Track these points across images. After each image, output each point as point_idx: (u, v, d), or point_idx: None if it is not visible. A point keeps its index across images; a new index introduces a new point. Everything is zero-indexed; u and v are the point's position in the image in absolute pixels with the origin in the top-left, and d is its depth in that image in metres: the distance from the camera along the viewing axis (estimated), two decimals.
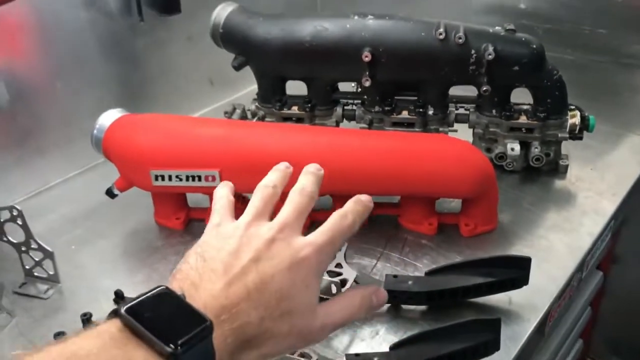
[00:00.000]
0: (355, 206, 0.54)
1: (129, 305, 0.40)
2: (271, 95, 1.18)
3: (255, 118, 1.23)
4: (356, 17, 1.09)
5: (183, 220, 1.04)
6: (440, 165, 0.92)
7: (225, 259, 0.45)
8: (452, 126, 1.17)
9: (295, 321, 0.45)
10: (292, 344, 0.47)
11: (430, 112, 1.14)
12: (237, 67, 1.15)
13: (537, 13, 1.30)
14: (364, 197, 0.55)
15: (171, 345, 0.37)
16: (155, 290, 0.42)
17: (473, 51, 1.05)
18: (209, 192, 0.66)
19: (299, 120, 1.19)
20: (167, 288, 0.43)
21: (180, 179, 0.96)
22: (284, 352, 0.47)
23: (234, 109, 1.23)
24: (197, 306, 0.42)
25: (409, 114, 1.14)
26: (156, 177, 0.95)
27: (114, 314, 0.40)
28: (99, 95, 1.21)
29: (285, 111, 1.18)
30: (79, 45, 1.16)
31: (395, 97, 1.17)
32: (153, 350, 0.38)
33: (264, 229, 0.48)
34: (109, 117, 1.00)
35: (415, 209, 0.99)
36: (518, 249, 0.96)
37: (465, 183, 0.93)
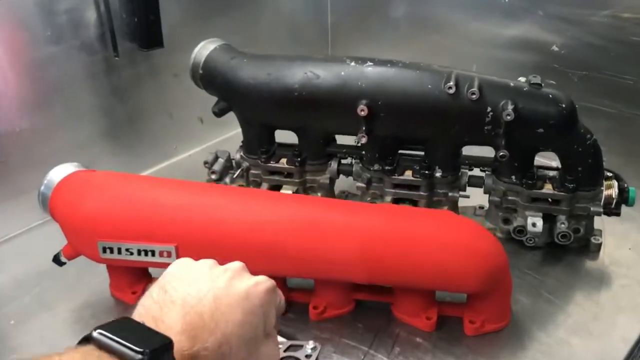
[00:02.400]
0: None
1: (98, 328, 0.45)
2: (257, 146, 1.03)
3: (239, 170, 1.08)
4: (353, 64, 0.93)
5: (139, 294, 0.89)
6: (440, 254, 0.76)
7: (185, 291, 0.50)
8: (464, 190, 1.01)
9: (251, 346, 0.51)
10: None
11: (438, 174, 0.97)
12: (218, 113, 1.01)
13: (572, 57, 1.13)
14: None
15: (140, 353, 0.43)
16: (119, 318, 0.47)
17: (489, 109, 0.88)
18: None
19: (289, 175, 1.04)
20: (129, 318, 0.49)
21: (131, 253, 0.82)
22: None
23: (216, 158, 1.08)
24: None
25: (413, 175, 0.98)
26: (104, 249, 0.81)
27: (85, 339, 0.45)
28: (72, 134, 1.08)
29: (272, 164, 1.03)
30: (49, 82, 1.04)
31: (399, 153, 1.01)
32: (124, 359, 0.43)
33: (221, 267, 0.56)
34: (59, 173, 0.87)
35: (411, 299, 0.83)
36: (531, 355, 0.79)
37: (470, 277, 0.77)
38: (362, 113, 0.91)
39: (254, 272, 0.61)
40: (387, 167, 0.98)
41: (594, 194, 0.93)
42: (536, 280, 0.92)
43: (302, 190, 1.05)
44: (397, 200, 1.01)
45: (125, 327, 0.46)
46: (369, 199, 1.03)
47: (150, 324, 0.48)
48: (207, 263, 0.58)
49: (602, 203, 0.93)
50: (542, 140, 0.91)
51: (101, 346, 0.44)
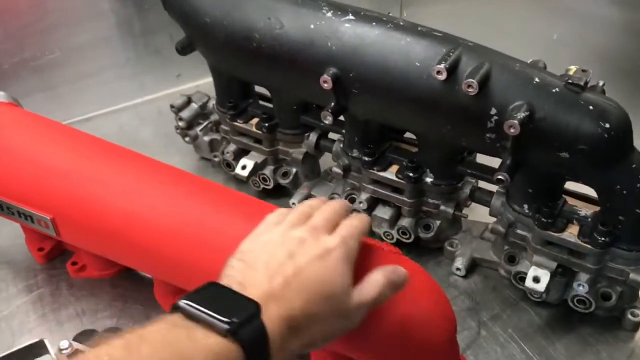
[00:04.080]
0: (360, 216, 0.56)
1: (184, 297, 0.44)
2: (225, 97, 0.84)
3: (207, 122, 0.90)
4: (329, 14, 0.68)
5: (46, 252, 0.78)
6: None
7: (265, 259, 0.49)
8: (466, 206, 0.75)
9: (335, 303, 0.49)
10: (335, 327, 0.50)
11: (429, 179, 0.72)
12: (181, 50, 0.82)
13: None
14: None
15: (228, 322, 0.42)
16: (206, 285, 0.47)
17: (494, 110, 0.61)
18: None
19: (257, 141, 0.84)
20: (215, 282, 0.47)
21: (12, 213, 0.69)
22: (328, 338, 0.50)
23: (188, 102, 0.91)
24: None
25: (397, 174, 0.74)
26: None
27: (174, 308, 0.44)
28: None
29: (240, 124, 0.83)
30: None
31: (390, 140, 0.77)
32: (212, 329, 0.42)
33: (296, 232, 0.52)
34: None
35: None
36: None
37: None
38: (325, 85, 0.67)
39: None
40: (365, 158, 0.74)
41: (637, 256, 0.64)
42: (524, 352, 0.67)
43: (273, 161, 0.85)
44: (375, 201, 0.78)
45: (212, 293, 0.46)
46: (348, 189, 0.81)
47: (236, 287, 0.47)
48: (280, 229, 0.53)
49: None
50: (568, 168, 0.62)
51: (189, 316, 0.43)
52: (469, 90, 0.60)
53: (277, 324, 0.45)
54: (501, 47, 0.65)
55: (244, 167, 0.83)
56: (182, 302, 0.44)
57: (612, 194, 0.61)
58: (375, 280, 0.51)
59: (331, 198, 0.84)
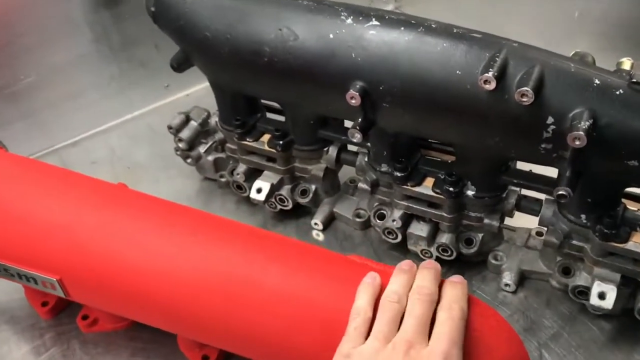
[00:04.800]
0: (453, 291, 0.51)
1: None
2: (230, 115, 0.76)
3: (212, 142, 0.82)
4: (350, 21, 0.60)
5: (51, 306, 0.70)
6: None
7: None
8: (511, 216, 0.68)
9: None
10: None
11: (470, 192, 0.66)
12: (177, 68, 0.73)
13: None
14: (456, 278, 0.53)
15: None
16: None
17: (551, 119, 0.54)
18: None
19: (270, 159, 0.76)
20: None
21: (12, 275, 0.61)
22: None
23: (187, 121, 0.82)
24: None
25: (434, 188, 0.67)
26: None
27: None
28: None
29: (250, 142, 0.75)
30: None
31: (421, 152, 0.70)
32: None
33: (391, 353, 0.47)
34: None
35: None
36: None
37: None
38: (353, 102, 0.60)
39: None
40: (397, 174, 0.67)
41: None
42: None
43: (290, 180, 0.77)
44: (409, 217, 0.71)
45: None
46: (376, 204, 0.74)
47: None
48: (372, 348, 0.48)
49: None
50: (636, 177, 0.56)
51: None
52: (523, 99, 0.53)
53: None
54: (515, 34, 0.58)
55: (259, 191, 0.76)
56: None
57: None
58: None
59: (356, 214, 0.78)
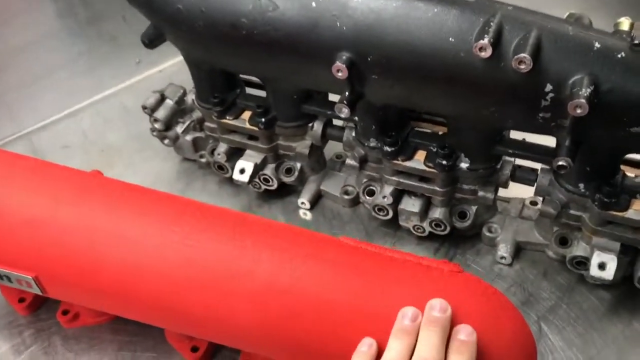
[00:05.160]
0: (463, 339, 0.45)
1: None
2: (208, 92, 0.72)
3: (189, 122, 0.78)
4: None
5: (29, 302, 0.66)
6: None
7: None
8: (505, 187, 0.66)
9: None
10: None
11: (464, 164, 0.63)
12: (148, 44, 0.69)
13: None
14: (464, 334, 0.45)
15: None
16: None
17: (549, 87, 0.51)
18: None
19: (252, 137, 0.73)
20: None
21: None
22: None
23: (162, 99, 0.78)
24: None
25: (426, 161, 0.64)
26: None
27: None
28: None
29: (230, 121, 0.72)
30: None
31: (411, 124, 0.67)
32: None
33: None
34: None
35: None
36: None
37: None
38: (340, 74, 0.56)
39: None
40: (387, 148, 0.64)
41: None
42: (594, 345, 0.61)
43: (273, 158, 0.74)
44: (400, 192, 0.68)
45: None
46: (365, 180, 0.71)
47: None
48: None
49: None
50: (638, 143, 0.54)
51: None
52: (521, 67, 0.50)
53: None
54: None
55: (242, 171, 0.72)
56: None
57: None
58: None
59: (345, 191, 0.75)
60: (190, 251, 0.50)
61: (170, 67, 0.97)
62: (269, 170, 0.74)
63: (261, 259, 0.49)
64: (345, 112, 0.59)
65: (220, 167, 0.76)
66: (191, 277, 0.50)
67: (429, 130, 0.66)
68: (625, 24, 0.54)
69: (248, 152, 0.74)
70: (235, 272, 0.49)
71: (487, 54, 0.50)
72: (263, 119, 0.69)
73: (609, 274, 0.59)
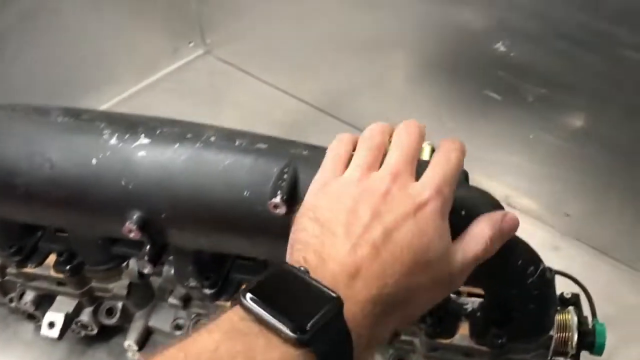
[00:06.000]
0: (452, 144, 0.45)
1: (248, 289, 0.36)
2: (2, 240, 0.63)
3: None
4: (114, 140, 0.51)
5: None
6: None
7: (344, 220, 0.40)
8: None
9: (435, 270, 0.40)
10: (435, 296, 0.42)
11: None
12: None
13: (527, 65, 0.70)
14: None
15: (296, 331, 0.33)
16: (274, 269, 0.38)
17: None
18: None
19: (62, 283, 0.65)
20: (286, 265, 0.38)
21: None
22: (426, 309, 0.42)
23: None
24: (325, 278, 0.37)
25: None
26: None
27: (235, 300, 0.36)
28: None
29: (32, 269, 0.64)
30: None
31: (232, 257, 0.62)
32: (278, 337, 0.34)
33: (376, 182, 0.41)
34: None
35: None
36: None
37: None
38: (132, 235, 0.51)
39: None
40: (207, 291, 0.59)
41: (536, 345, 0.56)
42: None
43: (90, 302, 0.67)
44: None
45: (282, 284, 0.36)
46: (194, 315, 0.65)
47: (312, 261, 0.38)
48: (353, 177, 0.42)
49: (550, 355, 0.57)
50: None
51: (251, 313, 0.34)
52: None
53: (366, 311, 0.37)
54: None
55: (52, 325, 0.64)
56: (247, 299, 0.35)
57: (500, 294, 0.53)
58: (480, 234, 0.42)
59: (176, 325, 0.68)
60: None
61: None
62: (85, 315, 0.66)
63: None
64: (148, 268, 0.53)
65: (31, 316, 0.67)
66: None
67: (251, 264, 0.62)
68: (425, 149, 0.53)
69: (59, 298, 0.66)
70: None
71: (282, 211, 0.47)
72: (68, 267, 0.62)
73: None
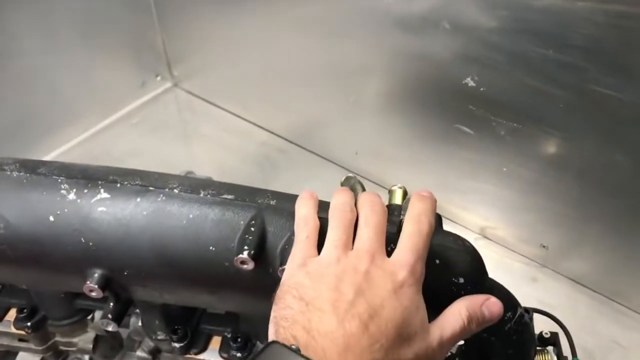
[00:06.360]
0: (421, 204, 0.46)
1: None
2: None
3: None
4: (72, 195, 0.48)
5: None
6: None
7: (329, 297, 0.41)
8: None
9: (417, 346, 0.41)
10: None
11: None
12: None
13: (497, 99, 0.69)
14: (425, 192, 0.48)
15: None
16: (267, 349, 0.38)
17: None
18: None
19: (22, 340, 0.62)
20: (277, 344, 0.39)
21: None
22: None
23: None
24: (316, 355, 0.38)
25: (221, 351, 0.58)
26: None
27: None
28: None
29: None
30: None
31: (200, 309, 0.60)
32: None
33: (355, 262, 0.43)
34: None
35: None
36: None
37: None
38: (94, 294, 0.48)
39: None
40: (176, 345, 0.57)
41: None
42: None
43: (55, 355, 0.64)
44: None
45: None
46: None
47: (302, 338, 0.39)
48: (332, 256, 0.43)
49: None
50: None
51: None
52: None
53: None
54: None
55: None
56: None
57: (480, 340, 0.51)
58: (458, 312, 0.44)
59: None
60: None
61: None
62: None
63: None
64: (112, 326, 0.51)
65: None
66: None
67: (222, 314, 0.60)
68: (397, 193, 0.52)
69: (21, 354, 0.63)
70: None
71: (249, 267, 0.45)
72: (29, 323, 0.59)
73: None
